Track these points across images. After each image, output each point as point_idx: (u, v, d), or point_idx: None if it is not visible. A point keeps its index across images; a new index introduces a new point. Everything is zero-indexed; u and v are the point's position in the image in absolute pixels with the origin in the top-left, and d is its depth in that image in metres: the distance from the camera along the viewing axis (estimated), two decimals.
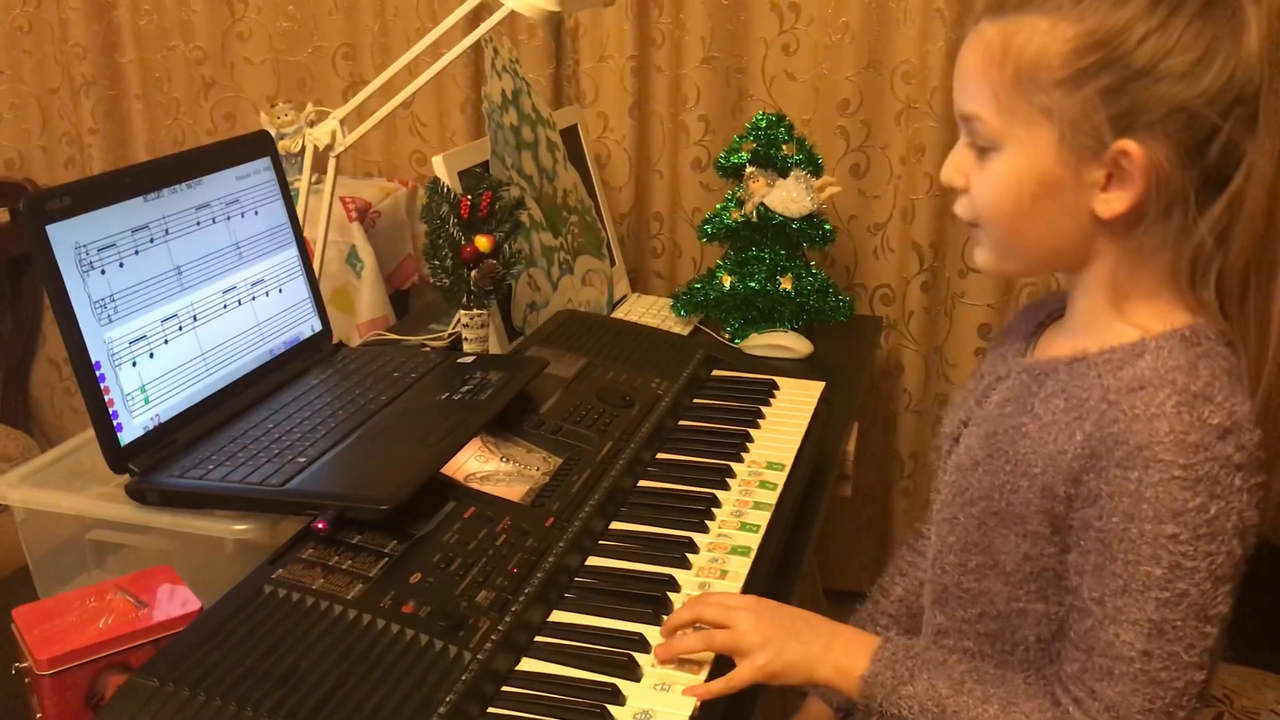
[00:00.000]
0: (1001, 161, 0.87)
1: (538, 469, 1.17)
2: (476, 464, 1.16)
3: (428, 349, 1.54)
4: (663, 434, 1.31)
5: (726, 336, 1.83)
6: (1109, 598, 0.83)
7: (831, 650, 0.94)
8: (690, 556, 1.07)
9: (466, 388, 1.24)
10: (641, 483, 1.21)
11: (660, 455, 1.27)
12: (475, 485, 1.12)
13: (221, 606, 0.91)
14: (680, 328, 1.85)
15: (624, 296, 2.00)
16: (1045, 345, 0.96)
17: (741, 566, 1.07)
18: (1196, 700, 0.82)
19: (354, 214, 2.07)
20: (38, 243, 1.01)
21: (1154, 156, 0.81)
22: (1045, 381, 0.90)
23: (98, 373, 1.05)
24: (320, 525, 0.99)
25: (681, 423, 1.35)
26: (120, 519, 1.06)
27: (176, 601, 0.95)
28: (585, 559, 1.07)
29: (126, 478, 1.07)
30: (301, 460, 1.08)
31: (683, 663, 0.94)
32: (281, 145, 2.10)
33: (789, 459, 1.27)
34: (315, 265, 1.64)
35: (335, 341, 1.40)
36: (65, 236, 1.04)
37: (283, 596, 0.92)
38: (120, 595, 0.96)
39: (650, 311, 1.91)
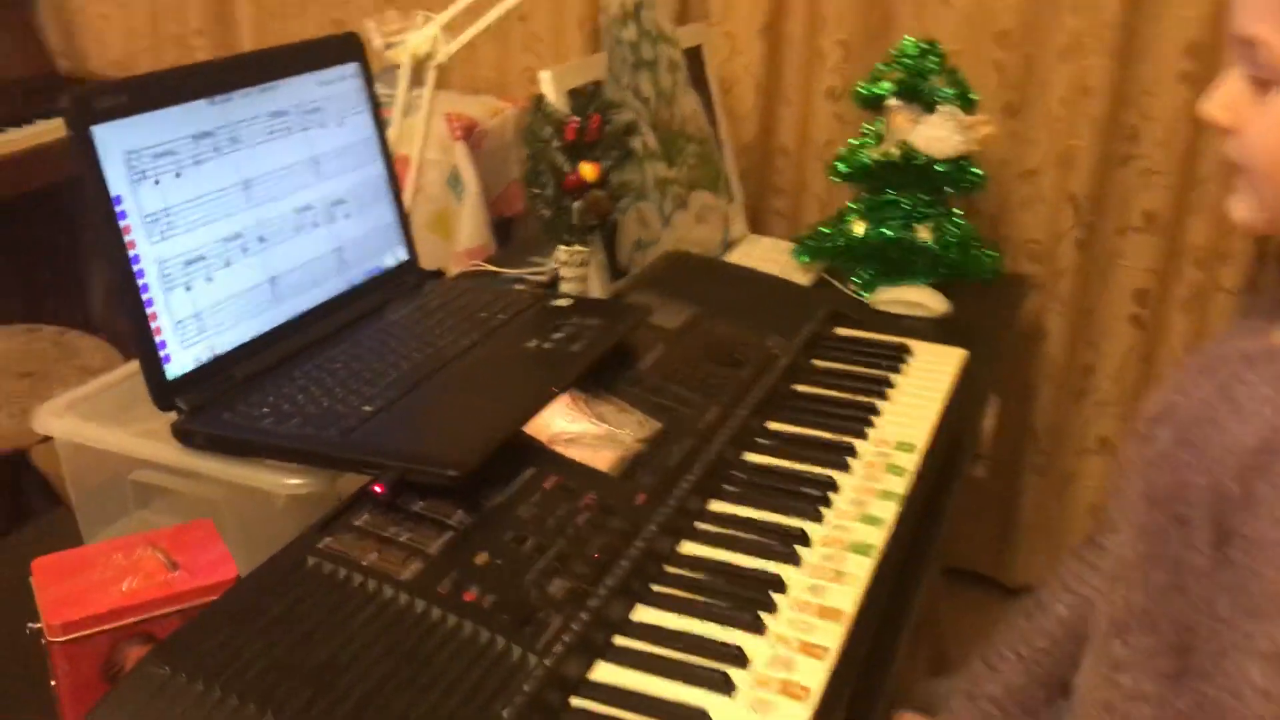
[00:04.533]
0: None
1: (632, 434, 1.03)
2: (564, 423, 1.02)
3: (522, 287, 1.41)
4: (776, 400, 1.15)
5: (853, 288, 1.66)
6: (1240, 619, 0.68)
7: None
8: (801, 551, 0.92)
9: (558, 335, 1.09)
10: (748, 456, 1.06)
11: (772, 425, 1.11)
12: (560, 448, 0.98)
13: (256, 578, 0.80)
14: (801, 276, 1.68)
15: (741, 237, 1.83)
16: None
17: (861, 568, 0.91)
18: None
19: (459, 132, 1.94)
20: (81, 146, 0.89)
21: None
22: (1256, 367, 0.73)
23: (144, 296, 0.93)
24: (379, 489, 0.86)
25: (798, 388, 1.19)
26: (164, 461, 0.95)
27: (212, 565, 0.84)
28: (678, 545, 0.93)
29: (174, 415, 0.95)
30: (367, 409, 0.95)
31: (786, 685, 0.79)
32: (387, 55, 1.97)
33: (922, 440, 1.10)
34: (409, 186, 1.51)
35: (430, 269, 1.27)
36: (115, 140, 0.92)
37: (327, 572, 0.80)
38: (151, 552, 0.85)
39: (769, 255, 1.74)
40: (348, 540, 0.83)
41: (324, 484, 0.91)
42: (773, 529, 0.95)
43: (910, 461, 1.06)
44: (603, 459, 0.98)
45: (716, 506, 0.98)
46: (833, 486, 1.01)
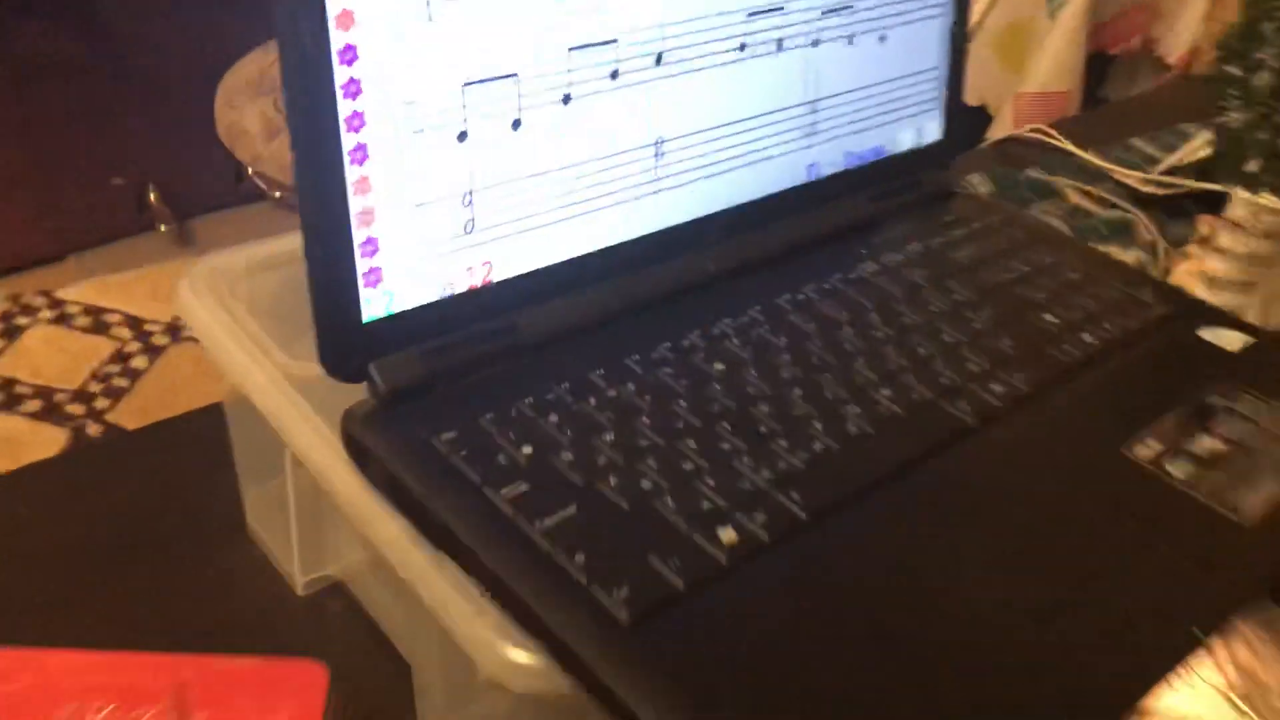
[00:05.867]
0: None
1: None
2: (1193, 707, 0.42)
3: (1133, 258, 0.77)
4: None
5: None
6: None
7: None
8: None
9: (1213, 441, 0.48)
10: None
11: None
12: None
13: None
14: None
15: None
16: None
17: None
18: None
19: None
20: None
21: None
22: None
23: (349, 153, 0.42)
24: None
25: None
26: (316, 466, 0.46)
27: None
28: None
29: (360, 393, 0.46)
30: (721, 529, 0.40)
31: None
32: None
33: None
34: None
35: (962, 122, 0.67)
36: None
37: None
38: None
39: None
40: None
41: (566, 683, 0.39)
42: None
43: None
44: None
45: None
46: None
